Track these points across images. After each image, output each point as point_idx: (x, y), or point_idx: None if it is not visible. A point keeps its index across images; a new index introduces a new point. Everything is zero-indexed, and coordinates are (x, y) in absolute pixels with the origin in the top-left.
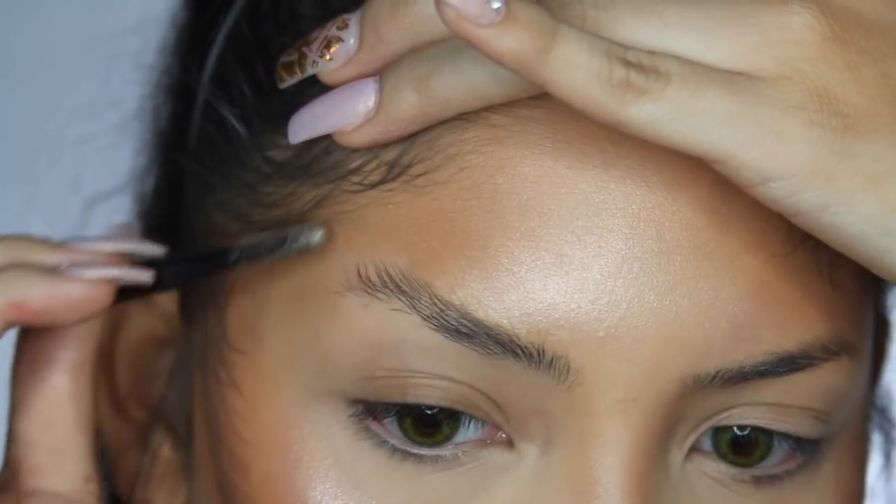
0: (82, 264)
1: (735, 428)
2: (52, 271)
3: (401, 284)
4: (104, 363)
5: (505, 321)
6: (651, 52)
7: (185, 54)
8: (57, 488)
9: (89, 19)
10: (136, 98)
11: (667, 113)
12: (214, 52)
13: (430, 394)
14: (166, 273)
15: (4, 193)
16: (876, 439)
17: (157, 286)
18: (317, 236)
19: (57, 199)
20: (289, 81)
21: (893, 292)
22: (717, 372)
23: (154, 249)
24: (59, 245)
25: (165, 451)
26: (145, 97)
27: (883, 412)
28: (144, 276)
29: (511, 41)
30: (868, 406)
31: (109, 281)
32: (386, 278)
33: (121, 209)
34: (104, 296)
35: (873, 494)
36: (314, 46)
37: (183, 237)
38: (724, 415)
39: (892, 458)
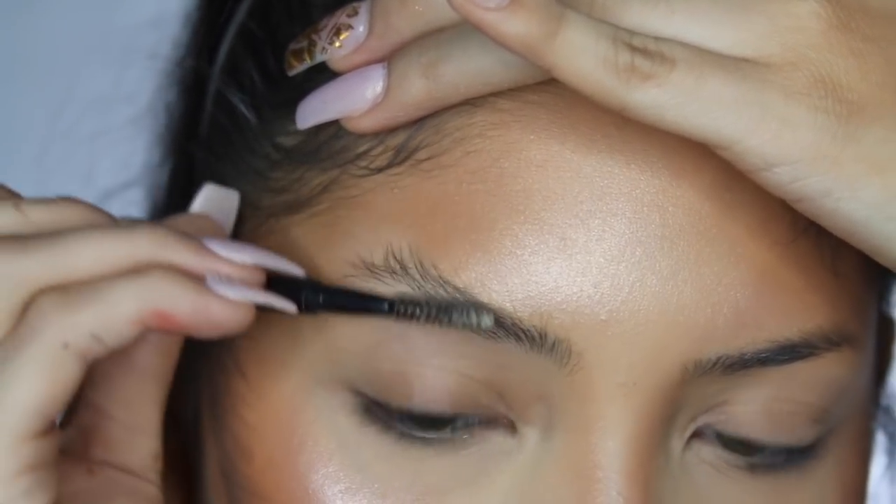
0: (227, 279)
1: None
2: (198, 282)
3: (406, 266)
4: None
5: (508, 304)
6: (657, 38)
7: (198, 44)
8: (128, 463)
9: (103, 14)
10: (149, 92)
11: (672, 98)
12: (226, 41)
13: (436, 398)
14: (304, 299)
15: (18, 187)
16: (880, 441)
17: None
18: (486, 320)
19: (70, 192)
20: (298, 68)
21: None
22: (719, 358)
23: (296, 270)
24: (201, 248)
25: (172, 440)
26: (158, 90)
27: (887, 412)
28: (289, 307)
29: (518, 25)
30: (871, 404)
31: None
32: (392, 261)
33: (134, 203)
34: (246, 318)
35: (877, 497)
36: (324, 34)
37: None
38: (723, 417)
39: None
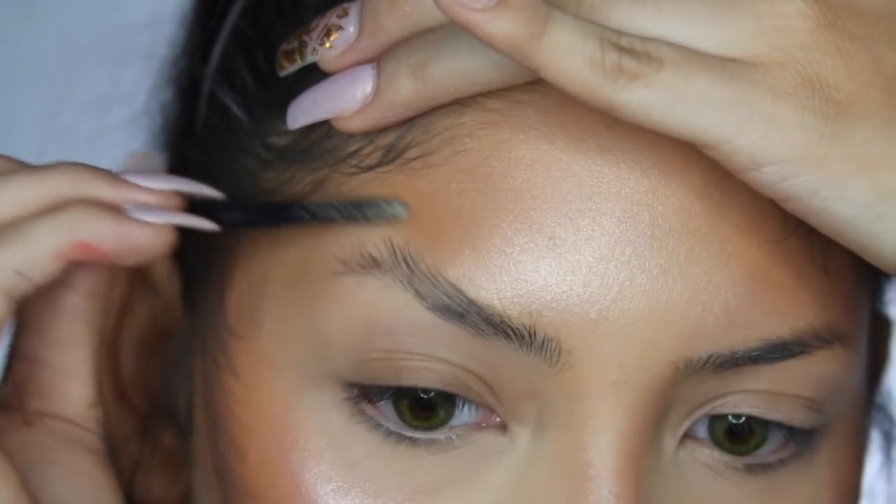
0: (145, 206)
1: (730, 416)
2: (117, 211)
3: (396, 259)
4: (108, 351)
5: (496, 301)
6: (644, 38)
7: (192, 45)
8: (63, 411)
9: (99, 15)
10: (146, 93)
11: (659, 98)
12: (220, 42)
13: (423, 376)
14: (224, 218)
15: None
16: (875, 438)
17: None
18: (401, 210)
19: None
20: (289, 69)
21: (892, 289)
22: (710, 357)
23: (211, 192)
24: (118, 179)
25: (166, 439)
26: (155, 91)
27: (882, 410)
28: (207, 224)
29: (504, 25)
30: (865, 401)
31: (172, 226)
32: (381, 255)
33: None
34: (166, 241)
35: (872, 494)
36: (314, 34)
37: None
38: (718, 402)
39: (893, 457)
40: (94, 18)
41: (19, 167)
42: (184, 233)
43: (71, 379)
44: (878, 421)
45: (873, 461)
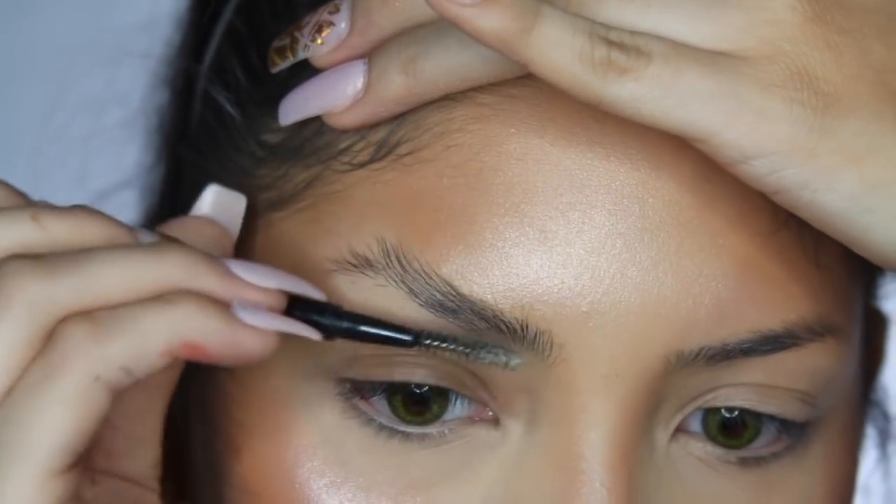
0: (252, 305)
1: (723, 410)
2: (226, 311)
3: (389, 258)
4: None
5: (489, 296)
6: (633, 32)
7: (187, 45)
8: (130, 473)
9: (95, 15)
10: (142, 93)
11: (648, 91)
12: (214, 40)
13: (416, 371)
14: (331, 327)
15: None
16: (872, 434)
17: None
18: (514, 361)
19: (63, 193)
20: (281, 66)
21: (886, 283)
22: (701, 349)
23: (317, 294)
24: (227, 273)
25: (164, 438)
26: (150, 91)
27: (878, 406)
28: (314, 335)
29: (493, 21)
30: (860, 395)
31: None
32: (374, 255)
33: (128, 204)
34: (271, 347)
35: (869, 490)
36: (306, 31)
37: None
38: (710, 396)
39: (889, 453)
40: (90, 19)
41: (122, 235)
42: None
43: (141, 443)
44: (873, 417)
45: (869, 457)
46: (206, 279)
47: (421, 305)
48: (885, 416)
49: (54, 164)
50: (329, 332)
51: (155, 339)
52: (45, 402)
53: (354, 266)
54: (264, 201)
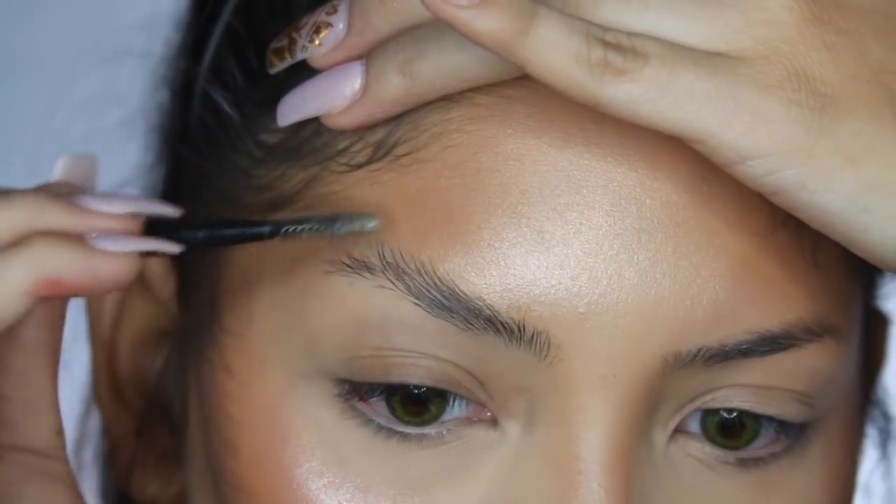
0: (107, 233)
1: (722, 411)
2: (81, 242)
3: (386, 259)
4: (106, 351)
5: (485, 296)
6: (630, 33)
7: (186, 45)
8: (31, 443)
9: (95, 14)
10: (142, 92)
11: (645, 92)
12: (213, 40)
13: (414, 372)
14: (187, 237)
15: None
16: (873, 434)
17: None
18: (371, 224)
19: None
20: (279, 67)
21: (886, 283)
22: (699, 350)
23: (169, 210)
24: (78, 207)
25: (161, 438)
26: (151, 90)
27: (879, 406)
28: (173, 248)
29: (489, 22)
30: (860, 396)
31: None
32: (372, 255)
33: None
34: (133, 268)
35: (870, 491)
36: (304, 32)
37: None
38: (709, 397)
39: (889, 453)
40: (90, 18)
41: None
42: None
43: (35, 410)
44: (874, 417)
45: (870, 457)
46: (55, 215)
47: (418, 305)
48: (886, 416)
49: (54, 164)
50: (188, 243)
51: (13, 281)
52: None
53: (351, 268)
54: (262, 201)
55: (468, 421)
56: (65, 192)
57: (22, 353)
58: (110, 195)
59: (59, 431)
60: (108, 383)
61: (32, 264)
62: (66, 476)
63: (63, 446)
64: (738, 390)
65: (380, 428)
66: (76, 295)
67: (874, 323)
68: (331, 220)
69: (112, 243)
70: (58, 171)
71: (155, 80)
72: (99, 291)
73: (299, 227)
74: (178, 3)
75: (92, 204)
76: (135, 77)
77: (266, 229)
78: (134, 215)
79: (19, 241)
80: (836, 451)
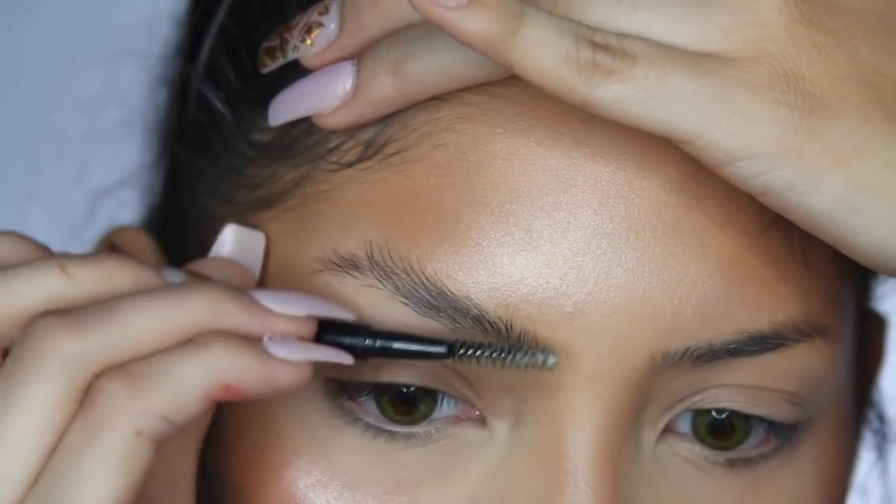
0: (282, 337)
1: (713, 411)
2: (257, 347)
3: (375, 259)
4: None
5: (473, 295)
6: (619, 34)
7: (182, 45)
8: None
9: (94, 14)
10: (141, 92)
11: (634, 93)
12: (208, 40)
13: (402, 372)
14: (365, 349)
15: (9, 187)
16: (869, 436)
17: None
18: (552, 360)
19: (60, 192)
20: (271, 66)
21: (881, 284)
22: (687, 349)
23: (346, 315)
24: (256, 307)
25: None
26: (149, 90)
27: (875, 408)
28: (346, 359)
29: (478, 23)
30: (852, 396)
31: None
32: (361, 255)
33: (126, 203)
34: (306, 377)
35: (866, 491)
36: (295, 32)
37: (175, 223)
38: (699, 397)
39: (886, 454)
40: (89, 18)
41: (150, 279)
42: (170, 227)
43: (176, 487)
44: (870, 419)
45: (867, 459)
46: (235, 316)
47: (405, 304)
48: (882, 418)
49: (52, 163)
50: (361, 353)
51: (192, 386)
52: (90, 462)
53: (340, 266)
54: (254, 200)
55: (457, 420)
56: (232, 276)
57: (175, 438)
58: (285, 294)
59: None
60: None
61: (211, 369)
62: None
63: None
64: (727, 390)
65: (368, 427)
66: (248, 400)
67: (871, 324)
68: (509, 350)
69: (289, 351)
70: (225, 243)
71: (153, 80)
72: (268, 397)
73: (477, 353)
74: (177, 2)
75: (269, 303)
76: (133, 77)
77: (443, 350)
78: (311, 319)
79: (195, 340)
80: (827, 451)
